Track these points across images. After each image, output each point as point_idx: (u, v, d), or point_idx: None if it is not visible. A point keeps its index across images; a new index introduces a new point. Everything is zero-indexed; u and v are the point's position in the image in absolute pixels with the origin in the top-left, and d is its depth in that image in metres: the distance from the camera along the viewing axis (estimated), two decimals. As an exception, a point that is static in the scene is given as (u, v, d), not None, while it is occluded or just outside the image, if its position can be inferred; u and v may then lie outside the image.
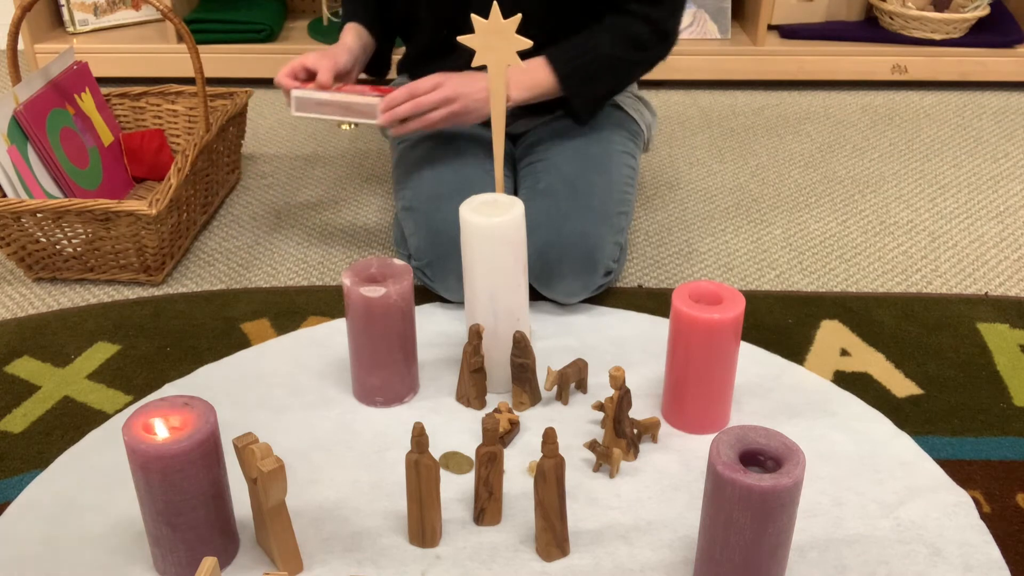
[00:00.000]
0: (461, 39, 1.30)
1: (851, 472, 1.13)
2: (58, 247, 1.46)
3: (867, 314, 1.43)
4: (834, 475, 1.12)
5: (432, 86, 1.35)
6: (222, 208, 1.74)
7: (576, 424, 1.20)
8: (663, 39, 1.43)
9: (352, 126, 2.05)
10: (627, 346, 1.34)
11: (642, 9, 1.40)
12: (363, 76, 1.59)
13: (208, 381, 1.28)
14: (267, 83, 2.24)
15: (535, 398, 1.23)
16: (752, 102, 2.19)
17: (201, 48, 2.06)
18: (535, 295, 1.40)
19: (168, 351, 1.34)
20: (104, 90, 1.74)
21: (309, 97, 1.39)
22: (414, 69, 1.55)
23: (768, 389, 1.26)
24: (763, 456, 0.91)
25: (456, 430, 1.19)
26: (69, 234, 1.45)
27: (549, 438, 0.95)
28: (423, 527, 1.02)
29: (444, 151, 1.46)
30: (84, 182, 1.59)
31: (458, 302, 1.40)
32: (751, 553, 0.91)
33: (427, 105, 1.35)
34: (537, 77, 1.40)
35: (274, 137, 2.02)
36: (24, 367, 1.32)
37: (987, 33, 2.23)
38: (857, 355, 1.34)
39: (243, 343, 1.36)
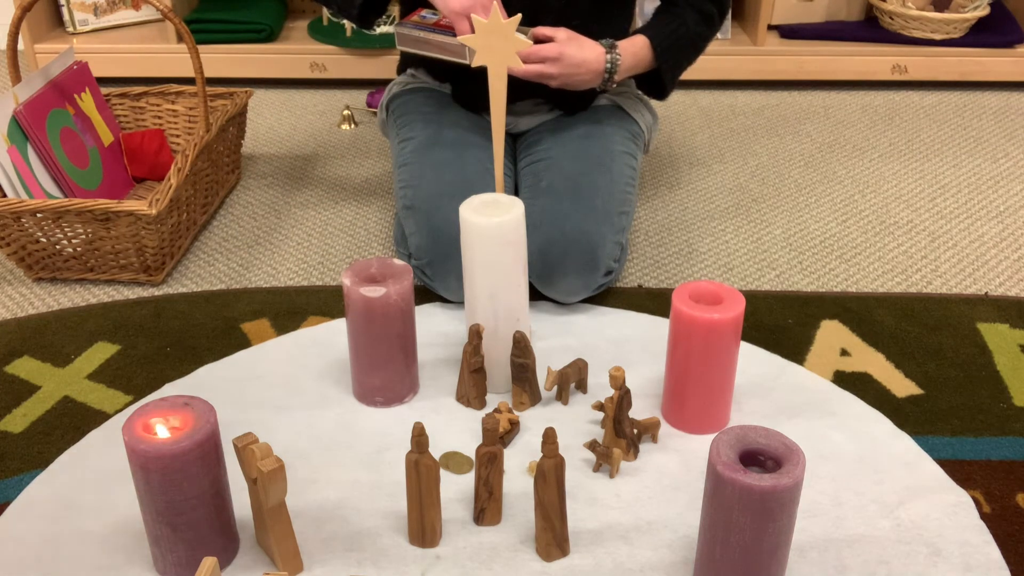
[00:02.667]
0: (461, 38, 1.30)
1: (851, 472, 1.13)
2: (58, 247, 1.46)
3: (867, 314, 1.43)
4: (834, 475, 1.12)
5: (557, 54, 1.36)
6: (222, 208, 1.74)
7: (576, 424, 1.20)
8: (722, 15, 1.52)
9: (352, 125, 2.05)
10: (627, 346, 1.34)
11: None
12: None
13: (208, 381, 1.28)
14: (267, 83, 2.25)
15: (535, 398, 1.23)
16: (752, 102, 2.19)
17: (201, 48, 2.06)
18: (535, 295, 1.40)
19: (168, 351, 1.34)
20: (104, 90, 1.74)
21: (409, 33, 1.40)
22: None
23: (768, 389, 1.26)
24: (763, 456, 0.91)
25: (456, 430, 1.19)
26: (69, 234, 1.45)
27: (549, 438, 0.95)
28: (423, 527, 1.02)
29: (445, 151, 1.46)
30: (84, 182, 1.59)
31: (458, 302, 1.40)
32: (751, 553, 0.90)
33: (537, 58, 1.36)
34: (640, 52, 1.45)
35: (274, 137, 2.02)
36: (24, 367, 1.32)
37: (987, 33, 2.23)
38: (857, 355, 1.34)
39: (243, 343, 1.36)
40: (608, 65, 1.41)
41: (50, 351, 1.35)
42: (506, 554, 1.02)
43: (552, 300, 1.43)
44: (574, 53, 1.37)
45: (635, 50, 1.44)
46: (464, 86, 1.55)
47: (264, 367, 1.30)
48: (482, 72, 1.29)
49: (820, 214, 1.73)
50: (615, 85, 1.45)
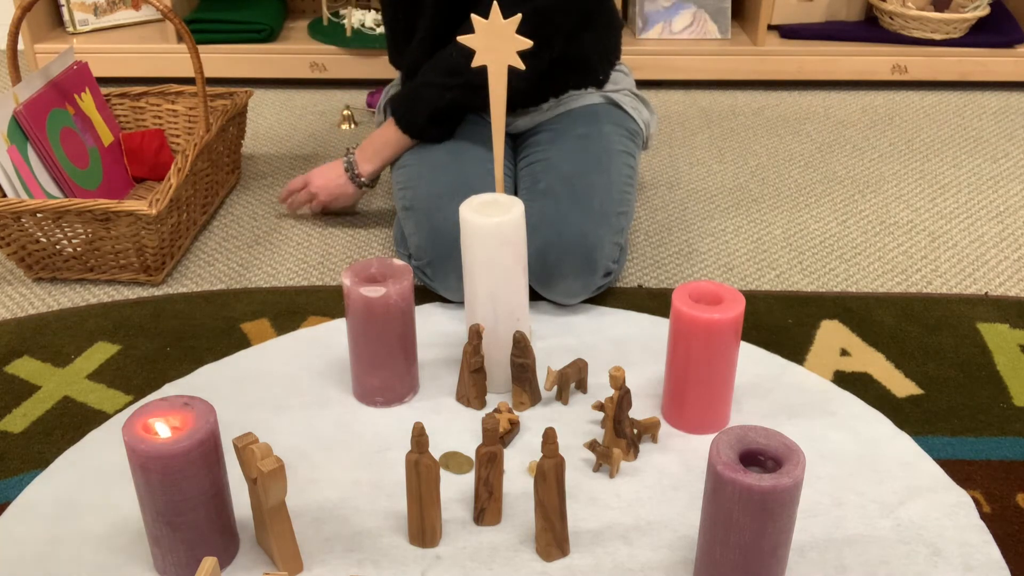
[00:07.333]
0: (462, 39, 1.30)
1: (851, 472, 1.13)
2: (58, 247, 1.46)
3: (867, 314, 1.43)
4: (834, 475, 1.12)
5: (301, 184, 1.63)
6: (222, 208, 1.74)
7: (576, 424, 1.20)
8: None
9: (352, 125, 2.05)
10: (627, 346, 1.34)
11: None
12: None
13: (208, 381, 1.28)
14: (267, 83, 2.25)
15: (535, 398, 1.23)
16: (752, 102, 2.19)
17: (201, 48, 2.06)
18: (535, 295, 1.40)
19: (168, 351, 1.34)
20: (104, 90, 1.74)
21: None
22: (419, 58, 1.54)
23: (768, 389, 1.26)
24: (763, 456, 0.91)
25: (456, 430, 1.19)
26: (69, 234, 1.45)
27: (549, 438, 0.95)
28: (423, 527, 1.02)
29: (445, 151, 1.46)
30: (84, 182, 1.59)
31: (458, 302, 1.40)
32: (751, 553, 0.91)
33: (299, 204, 1.64)
34: (386, 135, 1.52)
35: (274, 137, 2.02)
36: (24, 367, 1.32)
37: (987, 33, 2.23)
38: (857, 355, 1.34)
39: (243, 343, 1.36)
40: (345, 165, 1.56)
41: (50, 351, 1.35)
42: (506, 554, 1.02)
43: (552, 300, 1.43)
44: (322, 178, 1.59)
45: (381, 131, 1.52)
46: None
47: (264, 367, 1.30)
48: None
49: (820, 214, 1.73)
50: (364, 179, 1.56)
